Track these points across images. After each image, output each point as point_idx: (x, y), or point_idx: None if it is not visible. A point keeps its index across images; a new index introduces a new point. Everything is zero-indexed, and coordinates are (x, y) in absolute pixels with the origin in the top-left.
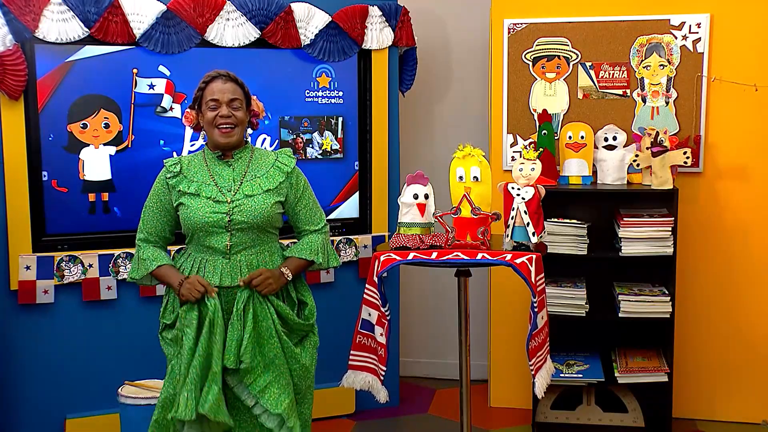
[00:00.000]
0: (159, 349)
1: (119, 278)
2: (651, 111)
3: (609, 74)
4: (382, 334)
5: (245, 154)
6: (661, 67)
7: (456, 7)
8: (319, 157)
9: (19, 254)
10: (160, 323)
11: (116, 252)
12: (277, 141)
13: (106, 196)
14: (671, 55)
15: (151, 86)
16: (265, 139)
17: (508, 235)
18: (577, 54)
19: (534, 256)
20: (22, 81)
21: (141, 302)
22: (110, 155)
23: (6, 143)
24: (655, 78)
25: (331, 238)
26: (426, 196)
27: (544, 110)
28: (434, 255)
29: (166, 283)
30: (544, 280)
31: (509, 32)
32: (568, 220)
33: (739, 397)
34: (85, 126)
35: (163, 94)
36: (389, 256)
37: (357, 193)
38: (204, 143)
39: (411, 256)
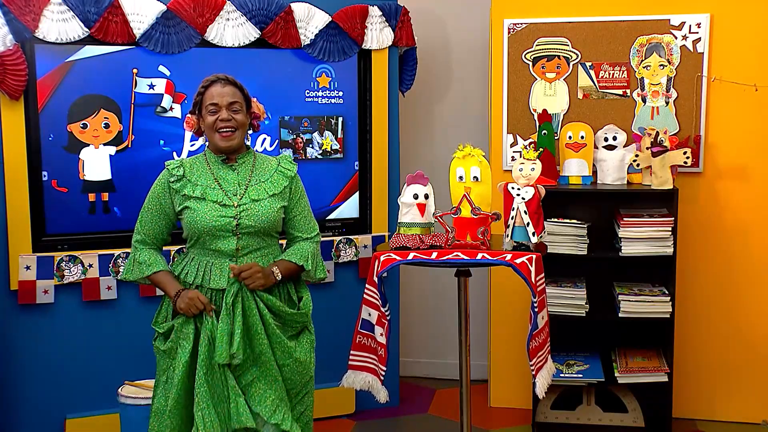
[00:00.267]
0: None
1: (119, 278)
2: (651, 111)
3: (609, 74)
4: (382, 334)
5: (249, 159)
6: (661, 67)
7: (456, 7)
8: (319, 157)
9: (19, 254)
10: (154, 331)
11: (116, 252)
12: (277, 141)
13: (106, 196)
14: (671, 55)
15: (151, 86)
16: (265, 139)
17: (508, 235)
18: (577, 54)
19: (534, 256)
20: (22, 81)
21: (141, 302)
22: (110, 155)
23: (6, 143)
24: (655, 78)
25: (332, 238)
26: (426, 196)
27: (544, 110)
28: (434, 255)
29: (162, 289)
30: (544, 280)
31: (509, 32)
32: (568, 220)
33: (739, 397)
34: (85, 126)
35: (163, 94)
36: (389, 256)
37: (357, 193)
38: (205, 144)
39: (411, 256)
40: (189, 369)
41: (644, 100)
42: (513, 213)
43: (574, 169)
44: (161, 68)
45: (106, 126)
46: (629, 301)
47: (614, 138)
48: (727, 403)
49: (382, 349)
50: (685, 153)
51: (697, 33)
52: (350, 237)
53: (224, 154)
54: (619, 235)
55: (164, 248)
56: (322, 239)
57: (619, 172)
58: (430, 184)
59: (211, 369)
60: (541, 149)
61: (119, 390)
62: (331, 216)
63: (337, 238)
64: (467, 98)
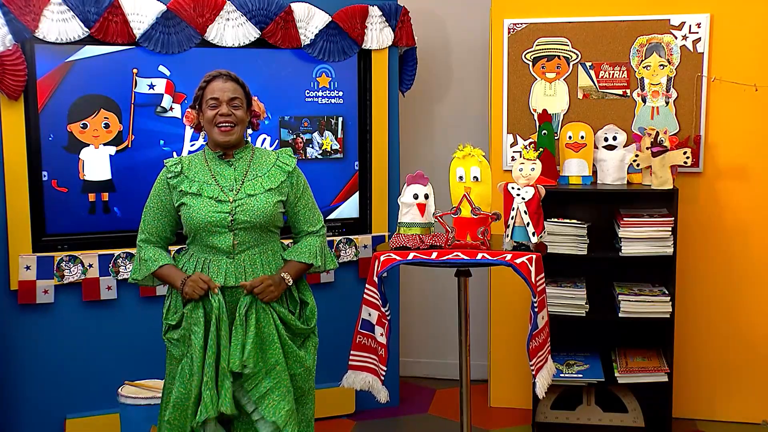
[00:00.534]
0: (159, 349)
1: (119, 278)
2: (651, 111)
3: (609, 74)
4: (382, 334)
5: (246, 154)
6: (661, 67)
7: (456, 7)
8: (319, 157)
9: (19, 254)
10: (163, 325)
11: (116, 252)
12: (277, 141)
13: (106, 196)
14: (671, 55)
15: (151, 86)
16: (265, 139)
17: (508, 235)
18: (577, 54)
19: (534, 256)
20: (22, 81)
21: (141, 302)
22: (110, 155)
23: (6, 143)
24: (655, 78)
25: (331, 238)
26: (426, 196)
27: (544, 110)
28: (434, 255)
29: (169, 282)
30: (544, 280)
31: (509, 32)
32: (568, 220)
33: (739, 397)
34: (85, 126)
35: (163, 94)
36: (389, 256)
37: (357, 193)
38: (204, 143)
39: (411, 256)
40: (203, 352)
41: (644, 100)
42: (513, 213)
43: (574, 169)
44: (161, 68)
45: (106, 126)
46: (629, 301)
47: (614, 138)
48: (727, 403)
49: (383, 349)
50: (685, 153)
51: (697, 33)
52: (350, 237)
53: (222, 150)
54: (619, 235)
55: (167, 248)
56: None
57: (619, 172)
58: (430, 184)
59: (218, 349)
60: (541, 149)
61: (119, 390)
62: (331, 216)
63: (337, 238)
64: (467, 98)
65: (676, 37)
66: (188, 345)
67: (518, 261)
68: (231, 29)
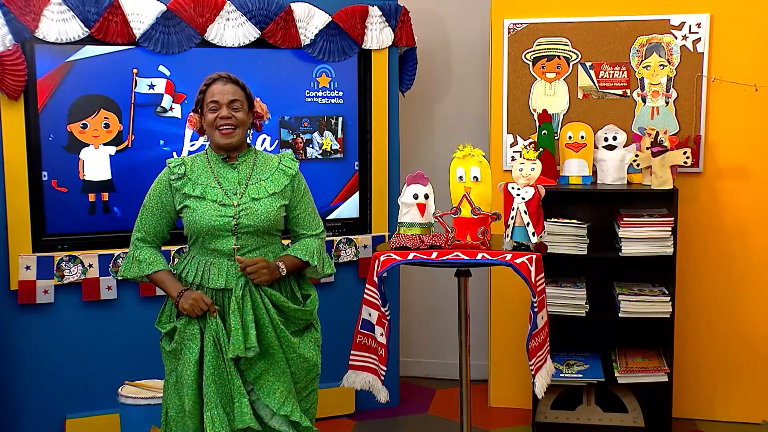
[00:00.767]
0: (159, 350)
1: (117, 276)
2: (651, 111)
3: (609, 74)
4: (382, 334)
5: (249, 157)
6: (661, 67)
7: (456, 7)
8: (319, 157)
9: (19, 254)
10: (159, 331)
11: (116, 252)
12: (277, 141)
13: (106, 196)
14: (671, 55)
15: (151, 86)
16: (265, 139)
17: (508, 235)
18: (577, 54)
19: (534, 256)
20: (22, 81)
21: (141, 302)
22: (110, 155)
23: (6, 143)
24: (655, 78)
25: (331, 238)
26: (426, 196)
27: (544, 110)
28: (434, 255)
29: (163, 289)
30: (544, 280)
31: (509, 32)
32: (568, 220)
33: (739, 397)
34: (85, 126)
35: (163, 94)
36: (389, 256)
37: (357, 193)
38: (205, 144)
39: (411, 256)
40: (200, 369)
41: (644, 100)
42: (513, 213)
43: (574, 169)
44: (161, 68)
45: (106, 126)
46: (629, 301)
47: (614, 138)
48: (727, 403)
49: (383, 349)
50: (685, 153)
51: (697, 33)
52: (350, 237)
53: (225, 153)
54: (619, 235)
55: (164, 248)
56: None
57: (619, 172)
58: (430, 184)
59: (218, 369)
60: (541, 149)
61: (119, 390)
62: (331, 216)
63: (337, 238)
64: (467, 98)
65: (676, 37)
66: (178, 359)
67: (518, 261)
68: (231, 29)
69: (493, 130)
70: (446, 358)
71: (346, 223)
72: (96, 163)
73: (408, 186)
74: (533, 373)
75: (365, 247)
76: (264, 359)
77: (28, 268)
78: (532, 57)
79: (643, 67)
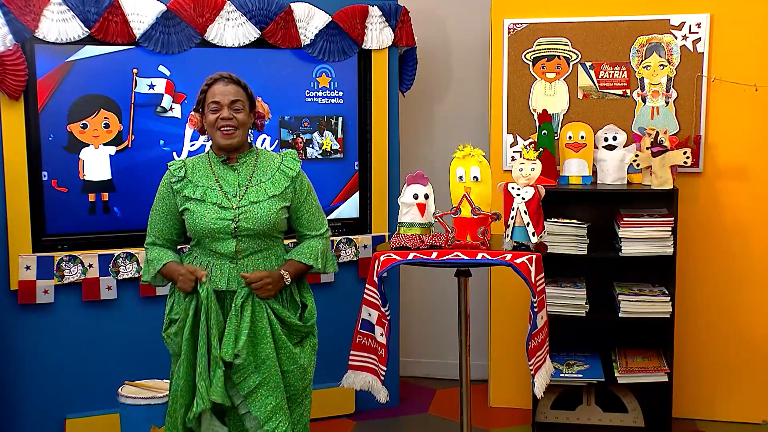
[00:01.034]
0: (159, 349)
1: (119, 278)
2: (651, 111)
3: (609, 74)
4: (382, 334)
5: (250, 158)
6: (661, 67)
7: (456, 7)
8: (319, 157)
9: (19, 254)
10: (165, 320)
11: (116, 252)
12: (277, 141)
13: (106, 196)
14: (671, 55)
15: (151, 86)
16: (265, 139)
17: (508, 235)
18: (577, 54)
19: (534, 256)
20: (22, 81)
21: (141, 302)
22: (110, 155)
23: (6, 143)
24: (655, 78)
25: (332, 238)
26: (426, 196)
27: (544, 110)
28: (434, 255)
29: (170, 279)
30: (544, 280)
31: (509, 32)
32: (568, 220)
33: (739, 397)
34: (85, 126)
35: (163, 94)
36: (389, 256)
37: (357, 193)
38: (205, 144)
39: (411, 256)
40: (192, 343)
41: (644, 100)
42: (513, 213)
43: (574, 169)
44: (161, 68)
45: (106, 126)
46: (629, 301)
47: (614, 138)
48: (727, 403)
49: (382, 349)
50: (685, 153)
51: (697, 33)
52: (350, 237)
53: (225, 154)
54: (619, 235)
55: (175, 249)
56: None
57: (619, 172)
58: (430, 184)
59: (208, 341)
60: (541, 149)
61: (119, 390)
62: (331, 216)
63: (337, 238)
64: (467, 98)
65: (676, 37)
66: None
67: (518, 261)
68: (231, 29)
69: (493, 130)
70: (446, 358)
71: (346, 223)
72: (96, 163)
73: (408, 186)
74: (532, 373)
75: (365, 247)
76: (258, 373)
77: (28, 268)
78: (532, 57)
79: (643, 67)
